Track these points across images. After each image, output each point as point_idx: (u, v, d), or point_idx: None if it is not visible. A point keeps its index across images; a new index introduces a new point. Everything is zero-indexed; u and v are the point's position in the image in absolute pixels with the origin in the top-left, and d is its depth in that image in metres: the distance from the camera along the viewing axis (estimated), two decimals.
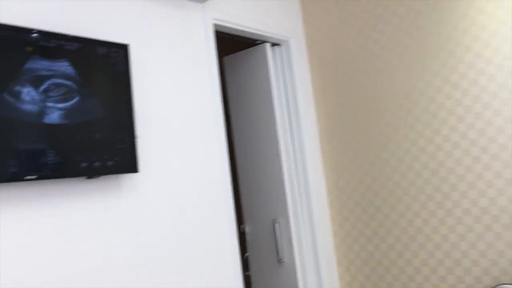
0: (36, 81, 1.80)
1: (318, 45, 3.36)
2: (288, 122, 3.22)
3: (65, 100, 1.88)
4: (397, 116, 2.94)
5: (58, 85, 1.87)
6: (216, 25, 2.82)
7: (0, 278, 1.70)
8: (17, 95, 1.74)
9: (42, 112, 1.80)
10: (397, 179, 2.93)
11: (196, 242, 2.42)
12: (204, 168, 2.54)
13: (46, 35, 1.86)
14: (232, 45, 3.76)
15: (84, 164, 1.92)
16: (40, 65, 1.82)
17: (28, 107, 1.77)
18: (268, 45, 3.19)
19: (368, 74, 3.08)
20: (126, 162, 2.07)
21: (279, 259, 3.02)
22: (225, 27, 2.86)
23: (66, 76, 1.90)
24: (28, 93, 1.77)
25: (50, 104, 1.83)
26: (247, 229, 3.23)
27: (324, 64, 3.32)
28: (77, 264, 1.93)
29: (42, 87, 1.82)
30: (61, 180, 1.93)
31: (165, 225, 2.29)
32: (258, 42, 3.22)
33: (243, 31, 2.98)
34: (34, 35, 1.82)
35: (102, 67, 2.04)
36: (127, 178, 2.17)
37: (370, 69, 3.07)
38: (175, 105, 2.45)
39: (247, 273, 3.27)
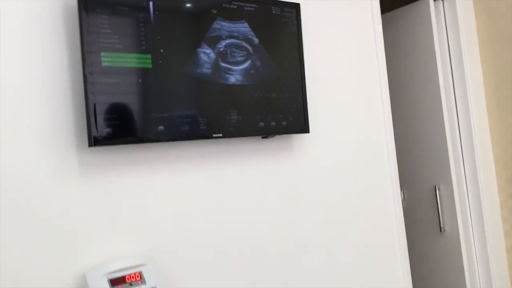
0: (219, 42, 1.87)
1: None
2: (451, 83, 2.99)
3: (245, 61, 1.93)
4: None
5: (238, 46, 1.91)
6: None
7: (188, 219, 1.83)
8: (203, 57, 1.82)
9: (225, 73, 1.87)
10: None
11: (361, 206, 2.38)
12: (369, 131, 2.47)
13: None
14: (389, 2, 3.56)
15: (261, 124, 1.96)
16: (222, 26, 1.88)
17: (212, 68, 1.84)
18: (431, 0, 2.96)
19: None
20: (298, 123, 2.08)
21: (441, 227, 2.87)
22: None
23: (245, 37, 1.94)
24: (212, 55, 1.84)
25: (231, 65, 1.89)
26: (403, 194, 3.12)
27: (494, 21, 2.99)
28: (248, 212, 2.01)
29: (225, 49, 1.88)
30: (241, 138, 2.00)
31: (332, 186, 2.29)
32: None
33: None
34: None
35: (276, 27, 2.05)
36: (298, 139, 2.19)
37: None
38: (339, 65, 2.40)
39: None
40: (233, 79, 1.89)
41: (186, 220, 1.82)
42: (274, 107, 2.00)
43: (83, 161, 1.61)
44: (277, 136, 2.12)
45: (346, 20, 2.45)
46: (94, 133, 1.54)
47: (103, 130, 1.56)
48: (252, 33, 1.96)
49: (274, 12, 2.05)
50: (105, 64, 1.58)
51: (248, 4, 1.96)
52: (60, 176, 1.57)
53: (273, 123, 2.00)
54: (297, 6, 2.12)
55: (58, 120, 1.58)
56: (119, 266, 1.58)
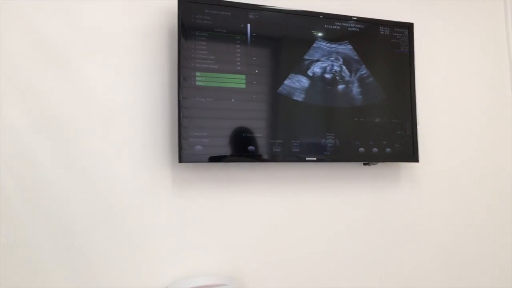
0: (317, 64, 1.81)
1: None
2: None
3: (344, 83, 1.85)
4: None
5: (337, 68, 1.84)
6: None
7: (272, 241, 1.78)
8: (299, 78, 1.78)
9: (321, 95, 1.80)
10: None
11: (479, 252, 2.09)
12: (495, 163, 2.18)
13: (332, 18, 1.85)
14: None
15: (361, 150, 1.84)
16: (322, 47, 1.83)
17: (308, 90, 1.79)
18: None
19: None
20: (405, 150, 1.91)
21: None
22: None
23: (346, 59, 1.86)
24: (309, 76, 1.79)
25: (328, 87, 1.82)
26: None
27: None
28: (342, 243, 1.88)
29: (322, 70, 1.82)
30: (340, 163, 1.91)
31: (445, 224, 2.05)
32: None
33: None
34: (321, 18, 1.83)
35: (384, 48, 1.93)
36: (406, 168, 2.01)
37: None
38: (459, 90, 2.17)
39: None
40: (330, 101, 1.81)
41: (272, 244, 1.77)
42: (376, 133, 1.87)
43: (175, 176, 1.67)
44: (382, 164, 1.97)
45: (470, 42, 2.22)
46: (183, 149, 1.59)
47: (193, 147, 1.60)
48: (355, 54, 1.87)
49: (382, 32, 1.94)
50: (200, 83, 1.64)
51: (353, 25, 1.89)
52: (153, 190, 1.64)
53: (375, 149, 1.87)
54: (410, 26, 1.98)
55: (155, 136, 1.66)
56: (200, 283, 1.59)
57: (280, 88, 1.74)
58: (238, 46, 1.70)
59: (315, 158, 1.77)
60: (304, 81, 1.78)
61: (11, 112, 1.51)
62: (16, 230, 1.48)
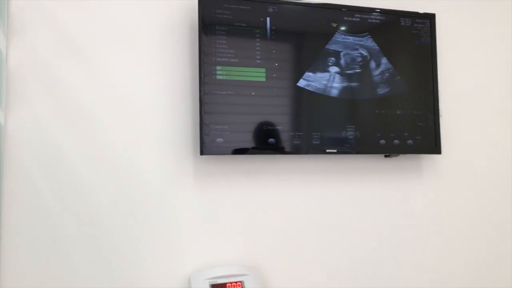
0: (337, 56, 1.82)
1: None
2: None
3: (364, 75, 1.85)
4: None
5: (358, 60, 1.84)
6: None
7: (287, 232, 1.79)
8: (319, 71, 1.79)
9: (341, 88, 1.81)
10: None
11: (503, 249, 2.06)
12: None
13: (352, 10, 1.85)
14: None
15: (382, 142, 1.84)
16: (342, 40, 1.83)
17: (328, 82, 1.80)
18: None
19: None
20: (428, 142, 1.90)
21: None
22: None
23: (366, 50, 1.86)
24: (329, 69, 1.80)
25: (349, 80, 1.82)
26: None
27: None
28: (364, 234, 1.88)
29: (342, 63, 1.82)
30: (359, 156, 1.91)
31: (467, 217, 2.03)
32: None
33: None
34: (341, 10, 1.84)
35: (405, 39, 1.92)
36: (428, 159, 2.00)
37: None
38: (484, 82, 2.13)
39: None
40: (350, 94, 1.82)
41: (293, 235, 1.79)
42: (398, 124, 1.87)
43: (196, 168, 1.71)
44: (403, 155, 1.96)
45: (494, 34, 2.18)
46: (204, 142, 1.62)
47: (214, 140, 1.63)
48: (376, 46, 1.87)
49: (403, 23, 1.93)
50: (220, 77, 1.66)
51: (372, 16, 1.88)
52: (175, 181, 1.68)
53: (396, 141, 1.86)
54: (431, 16, 1.97)
55: (178, 129, 1.70)
56: (222, 272, 1.62)
57: (300, 81, 1.76)
58: (258, 40, 1.72)
59: (335, 150, 1.77)
60: (324, 74, 1.79)
61: (39, 105, 1.56)
62: (44, 220, 1.54)
